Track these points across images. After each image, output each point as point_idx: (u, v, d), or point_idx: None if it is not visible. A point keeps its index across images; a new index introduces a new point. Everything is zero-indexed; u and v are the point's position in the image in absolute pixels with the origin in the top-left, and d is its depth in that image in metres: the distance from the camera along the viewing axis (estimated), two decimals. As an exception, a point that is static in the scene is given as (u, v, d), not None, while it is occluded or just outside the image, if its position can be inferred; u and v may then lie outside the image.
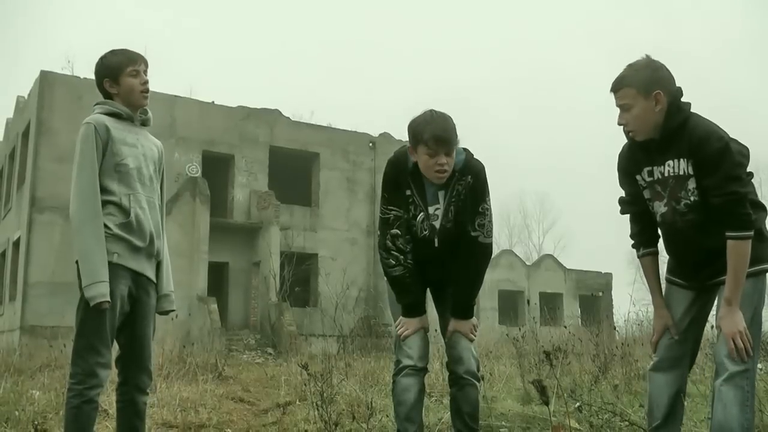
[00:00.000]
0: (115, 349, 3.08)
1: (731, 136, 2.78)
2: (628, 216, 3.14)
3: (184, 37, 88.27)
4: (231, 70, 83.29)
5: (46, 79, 19.91)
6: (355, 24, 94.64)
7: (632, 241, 3.14)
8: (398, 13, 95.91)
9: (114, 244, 2.96)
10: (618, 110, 2.86)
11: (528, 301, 20.57)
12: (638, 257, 3.13)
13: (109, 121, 3.04)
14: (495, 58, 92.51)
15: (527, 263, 34.98)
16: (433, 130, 3.01)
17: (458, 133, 3.08)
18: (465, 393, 3.25)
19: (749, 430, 2.72)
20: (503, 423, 4.62)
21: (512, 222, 62.73)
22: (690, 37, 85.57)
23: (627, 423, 4.18)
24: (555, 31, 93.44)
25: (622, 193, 3.12)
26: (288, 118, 23.80)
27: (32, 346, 12.96)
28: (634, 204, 3.05)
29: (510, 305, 31.77)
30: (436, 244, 3.24)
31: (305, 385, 5.18)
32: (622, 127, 2.88)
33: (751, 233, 2.70)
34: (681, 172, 2.79)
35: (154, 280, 3.16)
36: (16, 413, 4.88)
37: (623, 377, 6.45)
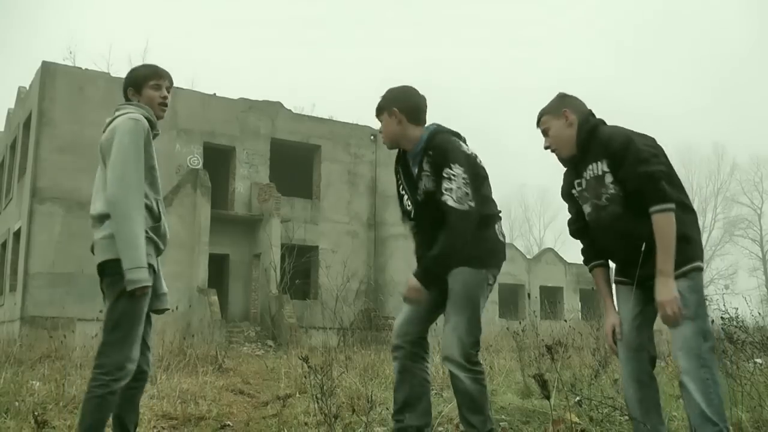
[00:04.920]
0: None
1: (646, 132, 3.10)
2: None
3: (186, 29, 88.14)
4: (232, 62, 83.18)
5: (47, 70, 19.82)
6: (357, 19, 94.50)
7: (583, 257, 3.41)
8: (400, 6, 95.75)
9: (147, 245, 3.01)
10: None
11: (528, 295, 20.47)
12: (589, 270, 3.42)
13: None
14: (497, 54, 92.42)
15: (528, 257, 34.96)
16: None
17: (392, 99, 3.40)
18: (453, 384, 3.26)
19: (719, 415, 2.84)
20: (503, 417, 4.62)
21: (513, 216, 62.90)
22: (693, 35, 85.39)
23: (627, 417, 4.17)
24: (557, 25, 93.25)
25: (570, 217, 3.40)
26: (289, 110, 23.75)
27: (32, 337, 12.98)
28: (578, 221, 3.33)
29: (510, 299, 31.77)
30: (413, 217, 3.43)
31: (305, 377, 5.18)
32: (548, 150, 3.28)
33: (672, 205, 2.91)
34: (599, 173, 3.10)
35: None
36: (16, 404, 4.87)
37: (623, 372, 6.43)
